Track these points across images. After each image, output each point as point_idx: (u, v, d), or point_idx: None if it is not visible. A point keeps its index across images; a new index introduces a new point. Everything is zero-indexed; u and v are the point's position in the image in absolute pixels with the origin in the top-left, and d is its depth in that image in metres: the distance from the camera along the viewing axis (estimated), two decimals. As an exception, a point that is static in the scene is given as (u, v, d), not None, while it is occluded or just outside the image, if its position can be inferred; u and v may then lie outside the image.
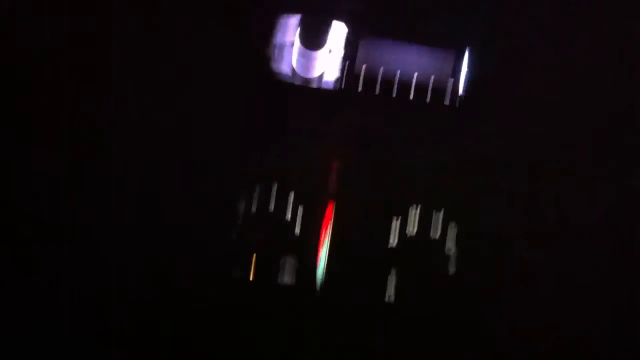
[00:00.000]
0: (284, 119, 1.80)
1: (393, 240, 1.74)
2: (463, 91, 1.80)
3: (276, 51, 1.81)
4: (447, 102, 1.79)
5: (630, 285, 1.70)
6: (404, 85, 1.79)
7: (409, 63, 1.80)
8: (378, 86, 1.79)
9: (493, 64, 1.79)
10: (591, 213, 1.73)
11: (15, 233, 1.67)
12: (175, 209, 1.70)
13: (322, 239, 1.73)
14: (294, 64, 1.81)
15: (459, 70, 1.80)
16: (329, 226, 1.74)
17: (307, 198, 1.77)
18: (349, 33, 1.80)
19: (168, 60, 1.76)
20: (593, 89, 1.76)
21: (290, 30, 1.81)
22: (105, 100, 1.72)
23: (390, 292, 1.71)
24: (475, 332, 1.69)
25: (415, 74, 1.78)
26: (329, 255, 1.72)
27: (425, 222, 1.75)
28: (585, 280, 1.71)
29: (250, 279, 1.72)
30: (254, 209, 1.74)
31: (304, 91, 1.82)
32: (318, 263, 1.72)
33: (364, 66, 1.80)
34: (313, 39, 1.77)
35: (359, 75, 1.79)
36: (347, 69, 1.80)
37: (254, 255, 1.73)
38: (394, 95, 1.79)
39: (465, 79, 1.80)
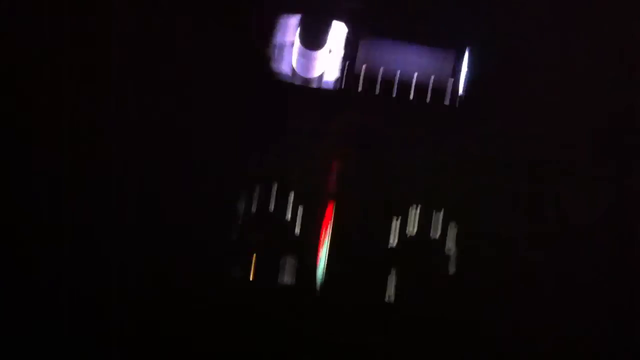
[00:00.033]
0: (284, 119, 1.80)
1: (393, 240, 1.74)
2: (463, 91, 1.80)
3: (276, 51, 1.81)
4: (447, 102, 1.79)
5: (630, 285, 1.70)
6: (404, 85, 1.79)
7: (409, 63, 1.80)
8: (378, 86, 1.79)
9: (493, 64, 1.79)
10: (591, 213, 1.73)
11: (15, 233, 1.67)
12: (175, 209, 1.70)
13: (322, 239, 1.73)
14: (294, 64, 1.81)
15: (459, 70, 1.80)
16: (329, 226, 1.74)
17: (307, 198, 1.77)
18: (349, 33, 1.80)
19: (168, 60, 1.76)
20: (593, 89, 1.76)
21: (290, 30, 1.81)
22: (105, 100, 1.72)
23: (390, 292, 1.71)
24: (476, 332, 1.68)
25: (415, 74, 1.78)
26: (329, 255, 1.72)
27: (425, 222, 1.75)
28: (585, 280, 1.71)
29: (250, 279, 1.72)
30: (254, 209, 1.74)
31: (304, 91, 1.82)
32: (318, 263, 1.72)
33: (364, 66, 1.80)
34: (313, 39, 1.77)
35: (359, 75, 1.79)
36: (347, 69, 1.80)
37: (254, 255, 1.73)
38: (394, 95, 1.79)
39: (465, 78, 1.80)
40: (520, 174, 1.75)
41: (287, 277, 1.71)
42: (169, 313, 1.67)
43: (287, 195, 1.76)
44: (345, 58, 1.80)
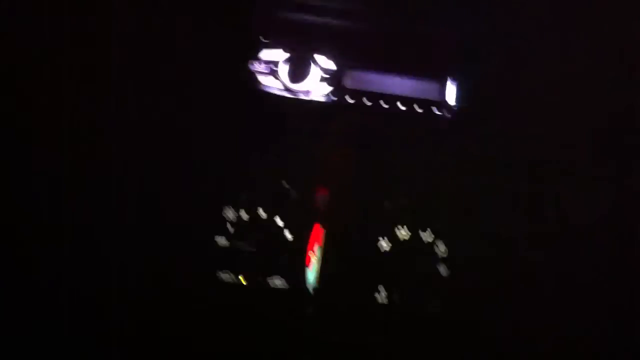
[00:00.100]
0: (284, 119, 1.80)
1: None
2: (455, 106, 1.79)
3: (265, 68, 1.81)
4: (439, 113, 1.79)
5: (630, 285, 1.70)
6: (391, 110, 1.79)
7: (395, 90, 1.79)
8: (366, 99, 1.80)
9: (493, 64, 1.79)
10: (591, 213, 1.73)
11: (15, 233, 1.67)
12: (175, 209, 1.70)
13: (319, 240, 1.73)
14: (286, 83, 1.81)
15: (444, 96, 1.79)
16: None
17: (305, 198, 1.77)
18: (334, 64, 1.80)
19: (168, 60, 1.76)
20: (593, 89, 1.76)
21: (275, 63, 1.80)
22: (105, 100, 1.72)
23: (389, 292, 1.71)
24: (475, 332, 1.68)
25: (398, 103, 1.78)
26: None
27: (425, 223, 1.75)
28: (585, 280, 1.71)
29: (248, 280, 1.72)
30: (252, 209, 1.74)
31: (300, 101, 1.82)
32: (315, 264, 1.72)
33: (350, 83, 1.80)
34: (298, 76, 1.78)
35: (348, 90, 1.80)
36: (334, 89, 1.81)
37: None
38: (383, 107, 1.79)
39: (455, 98, 1.80)
40: (520, 174, 1.75)
41: (284, 278, 1.71)
42: (169, 313, 1.67)
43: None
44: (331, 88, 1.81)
